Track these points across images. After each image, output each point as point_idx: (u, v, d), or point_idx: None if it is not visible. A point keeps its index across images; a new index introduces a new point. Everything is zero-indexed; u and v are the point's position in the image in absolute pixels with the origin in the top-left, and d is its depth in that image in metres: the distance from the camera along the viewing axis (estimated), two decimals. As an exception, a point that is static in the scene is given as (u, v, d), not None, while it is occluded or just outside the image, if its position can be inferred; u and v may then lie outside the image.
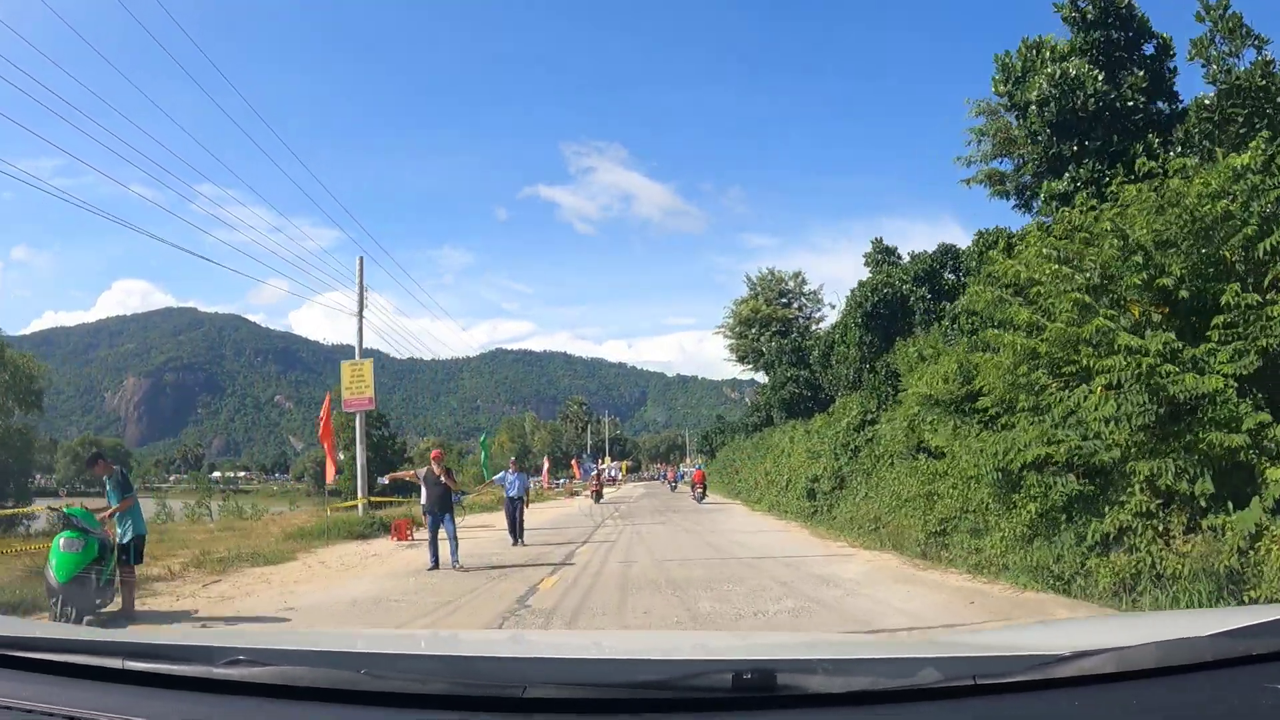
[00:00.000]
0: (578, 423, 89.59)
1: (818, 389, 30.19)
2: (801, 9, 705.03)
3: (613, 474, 67.94)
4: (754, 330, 42.28)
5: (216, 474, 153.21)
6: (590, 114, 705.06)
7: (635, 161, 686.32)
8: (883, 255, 23.93)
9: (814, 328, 40.91)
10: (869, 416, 19.09)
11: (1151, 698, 1.27)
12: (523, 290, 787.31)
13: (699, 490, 30.85)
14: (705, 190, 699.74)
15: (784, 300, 43.37)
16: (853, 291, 21.51)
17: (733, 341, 43.41)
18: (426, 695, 1.32)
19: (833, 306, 43.90)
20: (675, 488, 51.07)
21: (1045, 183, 13.45)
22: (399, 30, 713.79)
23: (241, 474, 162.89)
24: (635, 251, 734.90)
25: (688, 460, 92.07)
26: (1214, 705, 1.26)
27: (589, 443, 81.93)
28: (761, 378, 41.20)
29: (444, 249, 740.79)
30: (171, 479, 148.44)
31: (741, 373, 44.35)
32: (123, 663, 1.45)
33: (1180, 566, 6.69)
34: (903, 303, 20.51)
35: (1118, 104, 12.59)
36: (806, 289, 44.08)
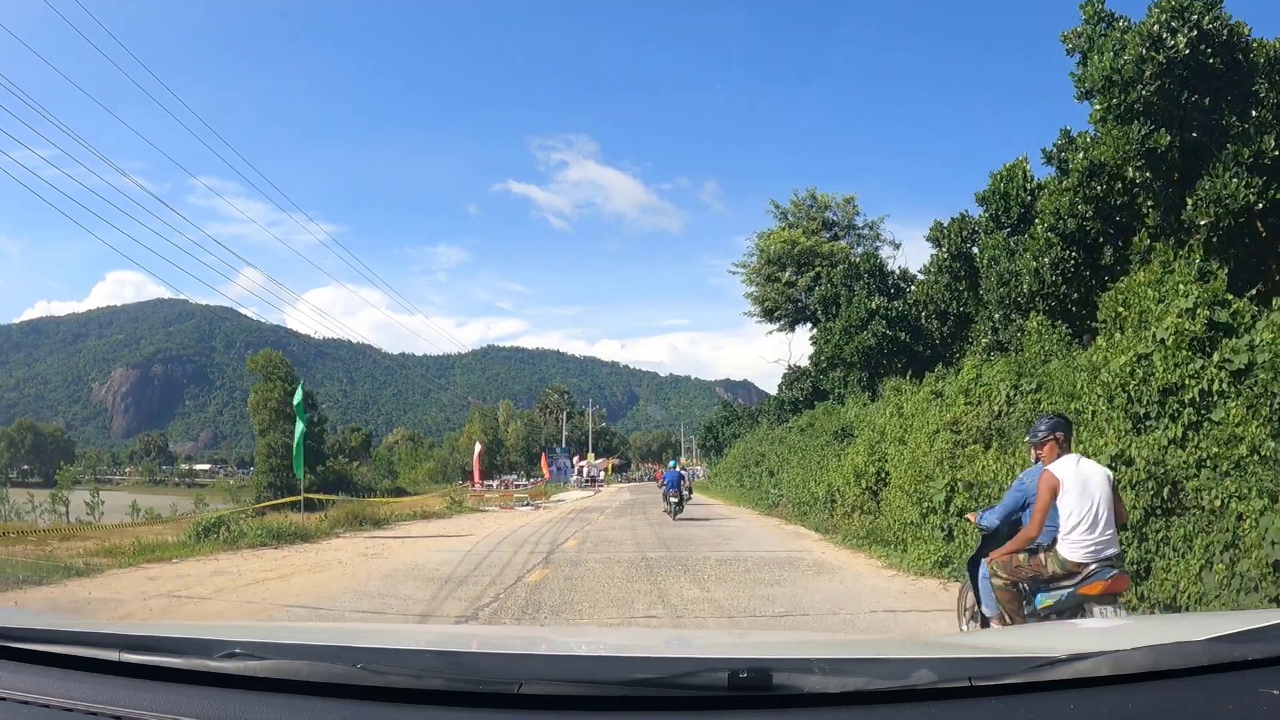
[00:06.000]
0: (557, 413, 76.21)
1: (919, 332, 17.67)
2: (794, 12, 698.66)
3: (593, 474, 55.43)
4: (788, 273, 29.65)
5: (186, 465, 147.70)
6: (604, 121, 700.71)
7: (635, 169, 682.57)
8: (1102, 22, 11.31)
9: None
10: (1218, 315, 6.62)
11: (1146, 702, 1.26)
12: (517, 289, 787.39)
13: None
14: (698, 194, 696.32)
15: (830, 233, 30.66)
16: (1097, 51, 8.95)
17: (757, 289, 30.76)
18: (423, 690, 1.30)
19: (896, 246, 31.13)
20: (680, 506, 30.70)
21: None
22: (388, 29, 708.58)
23: (205, 466, 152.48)
24: (629, 254, 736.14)
25: (682, 460, 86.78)
26: (1208, 710, 1.24)
27: (564, 435, 68.48)
28: (799, 340, 28.56)
29: (439, 246, 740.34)
30: (128, 470, 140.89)
31: (769, 333, 31.69)
32: (119, 655, 1.42)
33: None
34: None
35: None
36: (860, 220, 31.32)
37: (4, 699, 1.33)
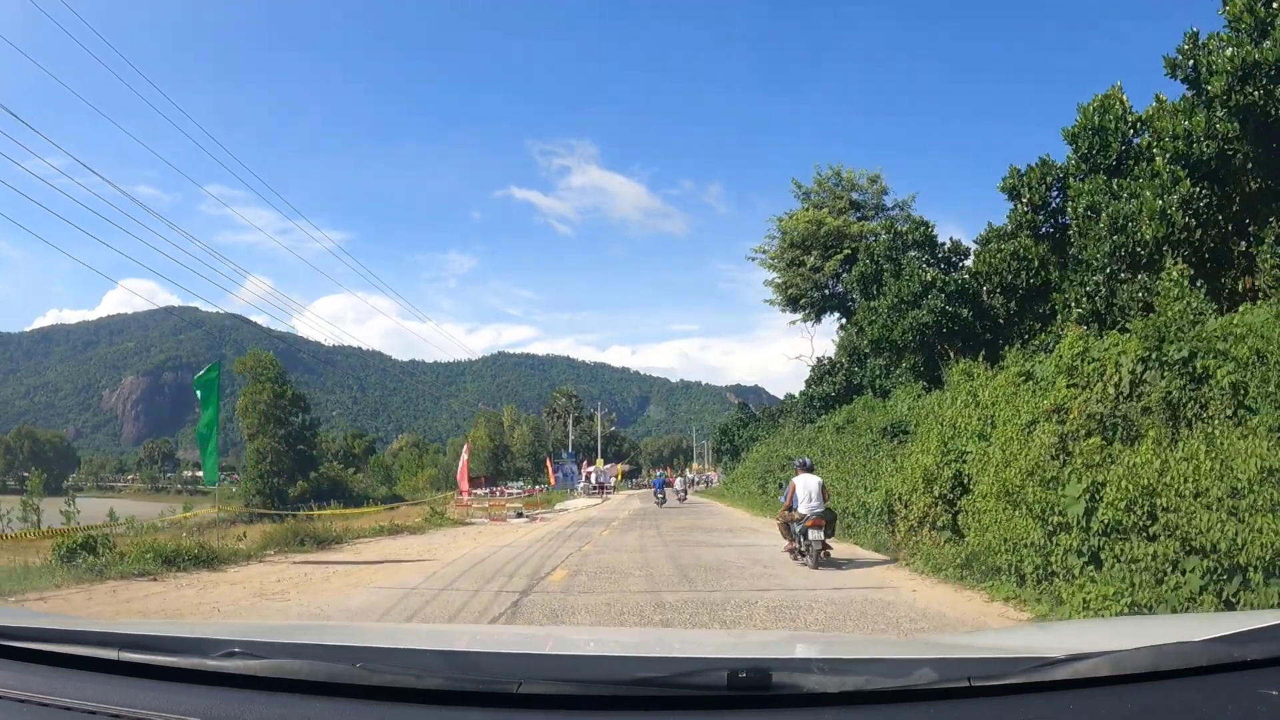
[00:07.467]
0: (565, 418, 73.45)
1: (981, 309, 15.05)
2: (796, 9, 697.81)
3: (603, 480, 52.69)
4: (813, 256, 27.03)
5: (190, 472, 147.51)
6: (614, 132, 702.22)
7: (639, 173, 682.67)
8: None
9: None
10: None
11: (1146, 702, 1.24)
12: (526, 296, 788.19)
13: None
14: (702, 197, 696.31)
15: (858, 214, 28.02)
16: None
17: (779, 276, 28.14)
18: (422, 690, 1.29)
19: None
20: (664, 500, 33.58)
21: None
22: (385, 39, 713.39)
23: (199, 474, 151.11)
24: (636, 259, 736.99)
25: (694, 466, 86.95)
26: (1208, 710, 1.21)
27: (572, 440, 65.68)
28: (820, 337, 25.95)
29: (450, 253, 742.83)
30: (131, 477, 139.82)
31: (791, 322, 29.01)
32: (118, 654, 1.41)
33: None
34: None
35: None
36: (889, 199, 28.65)
37: (4, 698, 1.32)
